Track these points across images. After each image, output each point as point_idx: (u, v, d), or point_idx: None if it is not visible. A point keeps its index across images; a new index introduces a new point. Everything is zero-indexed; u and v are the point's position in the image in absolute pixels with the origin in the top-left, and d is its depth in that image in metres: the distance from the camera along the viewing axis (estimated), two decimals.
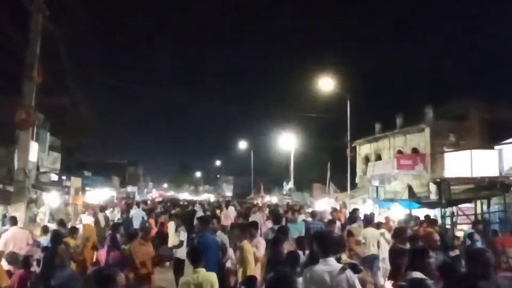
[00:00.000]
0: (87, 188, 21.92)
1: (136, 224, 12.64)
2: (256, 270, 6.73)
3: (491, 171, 14.87)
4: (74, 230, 9.79)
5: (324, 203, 21.87)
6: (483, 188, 14.48)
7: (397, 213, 14.41)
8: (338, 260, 4.67)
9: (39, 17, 11.00)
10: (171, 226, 11.06)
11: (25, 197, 11.14)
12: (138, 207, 17.56)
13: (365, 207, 18.30)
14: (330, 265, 4.02)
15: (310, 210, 16.51)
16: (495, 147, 16.59)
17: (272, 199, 31.70)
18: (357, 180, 30.76)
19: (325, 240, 4.36)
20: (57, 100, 18.41)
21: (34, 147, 13.53)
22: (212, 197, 45.34)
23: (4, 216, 10.81)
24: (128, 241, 8.08)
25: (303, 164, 36.65)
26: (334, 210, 15.37)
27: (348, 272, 3.94)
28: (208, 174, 75.47)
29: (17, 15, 11.77)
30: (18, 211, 10.50)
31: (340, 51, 78.37)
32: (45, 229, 9.88)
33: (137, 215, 14.65)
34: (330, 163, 28.13)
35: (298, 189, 33.90)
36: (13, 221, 8.90)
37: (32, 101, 11.04)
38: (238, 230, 7.75)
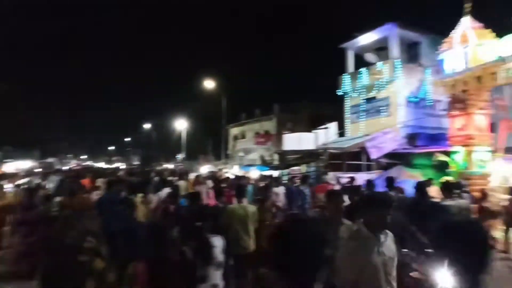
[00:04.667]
0: None
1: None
2: None
3: (311, 146, 17.22)
4: None
5: (206, 168, 23.15)
6: (306, 156, 17.23)
7: (255, 174, 15.75)
8: None
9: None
10: None
11: None
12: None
13: (233, 170, 20.35)
14: None
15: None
16: (313, 131, 18.67)
17: (169, 166, 32.81)
18: (229, 152, 34.87)
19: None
20: None
21: None
22: (123, 165, 48.02)
23: None
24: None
25: (192, 141, 39.15)
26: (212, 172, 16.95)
27: None
28: (121, 148, 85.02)
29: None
30: None
31: (224, 60, 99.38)
32: None
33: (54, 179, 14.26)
34: (210, 140, 32.82)
35: (188, 158, 36.62)
36: None
37: None
38: None
